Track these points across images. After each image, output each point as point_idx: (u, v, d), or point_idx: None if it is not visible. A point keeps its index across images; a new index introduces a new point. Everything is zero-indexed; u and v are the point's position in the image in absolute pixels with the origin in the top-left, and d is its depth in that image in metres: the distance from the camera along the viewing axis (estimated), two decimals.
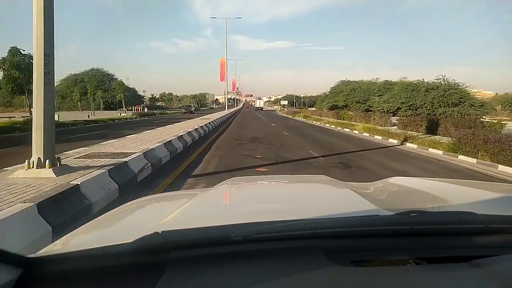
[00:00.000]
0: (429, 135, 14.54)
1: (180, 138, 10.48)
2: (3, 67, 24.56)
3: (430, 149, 10.93)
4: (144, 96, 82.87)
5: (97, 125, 23.91)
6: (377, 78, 46.67)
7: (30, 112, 25.59)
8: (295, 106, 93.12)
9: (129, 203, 1.50)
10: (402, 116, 29.26)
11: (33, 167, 4.59)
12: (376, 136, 15.22)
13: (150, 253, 0.73)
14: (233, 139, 13.55)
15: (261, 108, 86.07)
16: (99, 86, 58.31)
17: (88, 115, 33.10)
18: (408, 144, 12.33)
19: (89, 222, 1.25)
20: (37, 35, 4.63)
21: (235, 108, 69.31)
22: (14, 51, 24.46)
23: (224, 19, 39.65)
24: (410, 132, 15.61)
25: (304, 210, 1.25)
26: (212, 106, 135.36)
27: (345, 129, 19.98)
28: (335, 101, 45.59)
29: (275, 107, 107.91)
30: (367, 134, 16.29)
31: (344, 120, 28.62)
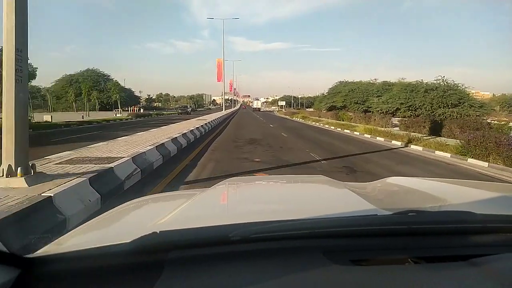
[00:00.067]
0: (433, 137, 14.08)
1: (174, 140, 9.92)
2: None
3: (437, 152, 10.44)
4: (140, 96, 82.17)
5: (90, 126, 23.29)
6: (375, 79, 46.52)
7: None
8: (293, 107, 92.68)
9: (127, 203, 1.49)
10: (402, 117, 29.02)
11: (2, 175, 4.03)
12: (378, 138, 14.73)
13: (148, 253, 0.73)
14: (230, 141, 13.01)
15: (259, 109, 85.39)
16: (94, 87, 57.65)
17: (82, 116, 32.46)
18: (413, 146, 11.84)
19: (87, 222, 1.24)
20: (7, 26, 4.08)
21: (232, 109, 68.71)
22: None
23: (221, 19, 39.03)
24: (413, 133, 15.14)
25: (302, 210, 1.24)
26: (210, 107, 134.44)
27: (345, 130, 19.49)
28: (334, 102, 45.28)
29: (272, 108, 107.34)
30: (369, 136, 15.79)
31: (343, 121, 28.17)
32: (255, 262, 0.74)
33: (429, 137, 13.76)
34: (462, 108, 30.11)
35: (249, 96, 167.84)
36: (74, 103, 50.54)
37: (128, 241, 0.72)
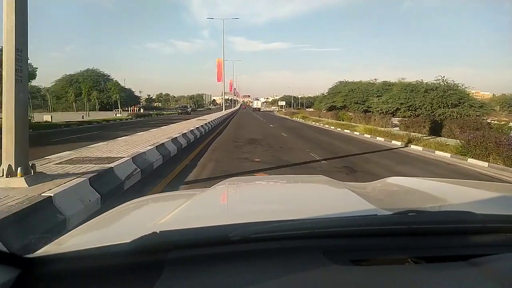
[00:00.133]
0: (433, 137, 14.08)
1: (174, 140, 9.92)
2: None
3: (437, 152, 10.45)
4: (140, 96, 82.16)
5: (90, 126, 23.29)
6: (375, 79, 46.49)
7: None
8: (293, 107, 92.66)
9: (127, 203, 1.48)
10: (402, 117, 29.00)
11: (2, 175, 4.03)
12: (378, 138, 14.74)
13: (148, 253, 0.72)
14: (230, 141, 13.02)
15: (259, 109, 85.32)
16: (94, 87, 57.61)
17: (82, 116, 32.46)
18: (413, 146, 11.85)
19: (87, 222, 1.24)
20: (7, 26, 4.08)
21: (232, 109, 68.71)
22: None
23: (221, 19, 39.02)
24: (413, 133, 15.14)
25: (302, 210, 1.24)
26: (210, 107, 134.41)
27: (345, 130, 19.50)
28: (334, 102, 45.26)
29: (272, 108, 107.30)
30: (369, 136, 15.79)
31: (343, 121, 28.17)
32: (255, 262, 0.74)
33: (429, 137, 13.76)
34: (462, 108, 30.11)
35: (249, 96, 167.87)
36: (74, 103, 50.55)
37: (128, 241, 0.72)
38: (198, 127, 15.53)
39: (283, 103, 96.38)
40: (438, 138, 12.87)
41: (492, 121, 19.01)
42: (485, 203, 1.31)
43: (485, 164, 8.37)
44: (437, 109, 30.91)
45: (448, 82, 31.98)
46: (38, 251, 0.84)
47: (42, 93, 61.66)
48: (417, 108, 32.93)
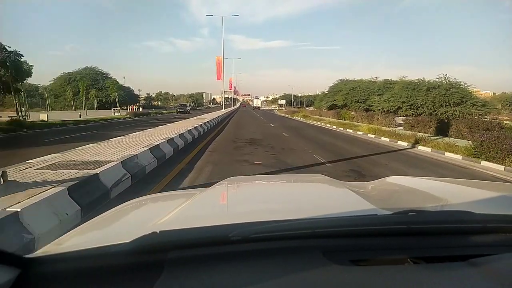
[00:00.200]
0: (439, 137, 13.55)
1: (170, 141, 9.40)
2: None
3: (447, 153, 9.90)
4: (139, 95, 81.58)
5: (86, 125, 22.80)
6: (376, 77, 45.96)
7: (17, 111, 24.43)
8: (293, 105, 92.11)
9: (127, 202, 1.47)
10: (405, 116, 28.54)
11: None
12: (383, 138, 14.20)
13: (148, 253, 0.72)
14: (230, 141, 12.48)
15: (259, 108, 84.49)
16: (93, 85, 56.99)
17: (80, 115, 31.91)
18: (420, 147, 11.30)
19: (87, 222, 1.23)
20: None
21: (232, 108, 68.15)
22: None
23: (220, 17, 38.41)
24: (419, 133, 14.61)
25: (302, 210, 1.24)
26: (209, 105, 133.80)
27: (348, 130, 18.95)
28: (334, 100, 44.75)
29: (272, 106, 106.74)
30: (373, 136, 15.25)
31: (345, 120, 27.62)
32: (255, 262, 0.74)
33: (436, 137, 13.22)
34: (464, 106, 29.84)
35: (249, 94, 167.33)
36: (72, 102, 49.97)
37: (128, 241, 0.72)
38: (196, 127, 15.00)
39: (283, 101, 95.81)
40: (446, 139, 12.31)
41: (496, 120, 18.43)
42: (485, 202, 1.30)
43: (501, 167, 7.83)
44: (439, 108, 30.63)
45: (450, 80, 31.64)
46: (38, 251, 0.83)
47: (40, 91, 61.23)
48: (419, 107, 32.63)
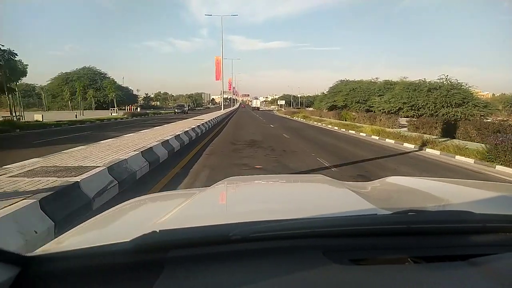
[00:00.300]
0: (446, 139, 13.04)
1: (165, 143, 8.86)
2: None
3: (458, 157, 9.38)
4: (138, 95, 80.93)
5: (82, 126, 22.23)
6: (377, 78, 45.59)
7: (10, 111, 23.82)
8: (293, 106, 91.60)
9: (127, 202, 1.47)
10: (406, 117, 28.08)
11: None
12: (387, 140, 13.67)
13: (148, 252, 0.72)
14: (228, 143, 11.95)
15: (258, 108, 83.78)
16: (91, 85, 56.34)
17: (76, 115, 31.32)
18: (428, 150, 10.77)
19: (87, 221, 1.22)
20: None
21: (231, 108, 67.57)
22: None
23: (219, 16, 37.91)
24: (425, 135, 14.10)
25: (302, 209, 1.24)
26: (208, 106, 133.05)
27: (350, 131, 18.42)
28: (335, 101, 44.35)
29: (272, 107, 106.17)
30: (377, 137, 14.73)
31: (346, 121, 27.10)
32: (255, 261, 0.74)
33: (443, 139, 12.71)
34: (466, 108, 29.57)
35: (248, 95, 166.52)
36: (69, 102, 49.29)
37: (128, 240, 0.72)
38: (194, 128, 14.47)
39: (283, 102, 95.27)
40: (453, 141, 11.77)
41: (508, 122, 17.93)
42: (485, 202, 1.29)
43: None
44: (441, 109, 30.36)
45: (452, 81, 31.31)
46: (38, 250, 0.84)
47: (36, 91, 60.53)
48: (420, 108, 32.33)
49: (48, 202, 3.45)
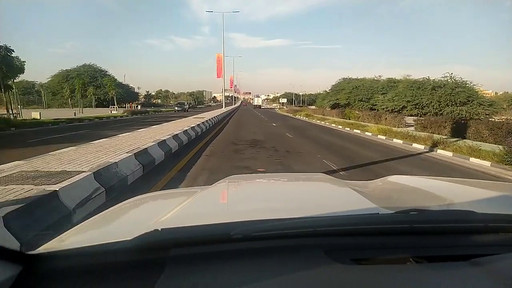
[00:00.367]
0: (456, 139, 12.48)
1: (162, 143, 8.34)
2: None
3: (472, 159, 8.82)
4: (139, 93, 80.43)
5: (80, 124, 21.76)
6: (380, 76, 44.97)
7: (7, 109, 23.33)
8: (295, 104, 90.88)
9: (128, 200, 1.47)
10: (410, 115, 27.51)
11: None
12: (395, 140, 13.11)
13: (149, 250, 0.73)
14: (229, 143, 11.41)
15: (260, 106, 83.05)
16: (91, 83, 55.76)
17: (75, 113, 30.84)
18: (440, 151, 10.21)
19: (89, 220, 1.22)
20: None
21: (233, 106, 66.97)
22: None
23: (221, 13, 37.27)
24: (434, 134, 13.53)
25: (304, 208, 1.24)
26: (210, 103, 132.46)
27: (355, 130, 17.85)
28: (337, 99, 43.78)
29: (273, 105, 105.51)
30: (383, 137, 14.16)
31: (350, 119, 26.50)
32: (256, 260, 0.74)
33: (454, 140, 12.13)
34: (471, 106, 29.10)
35: (249, 93, 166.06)
36: (69, 100, 48.79)
37: (129, 238, 0.72)
38: (193, 127, 13.94)
39: (285, 100, 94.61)
40: (469, 142, 11.17)
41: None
42: (488, 202, 1.28)
43: None
44: (445, 108, 29.92)
45: (456, 79, 30.79)
46: (40, 248, 0.83)
47: (36, 89, 60.05)
48: (424, 106, 31.90)
49: (16, 217, 2.93)
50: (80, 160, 5.51)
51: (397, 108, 32.99)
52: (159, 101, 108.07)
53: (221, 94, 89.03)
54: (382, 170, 7.30)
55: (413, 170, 7.57)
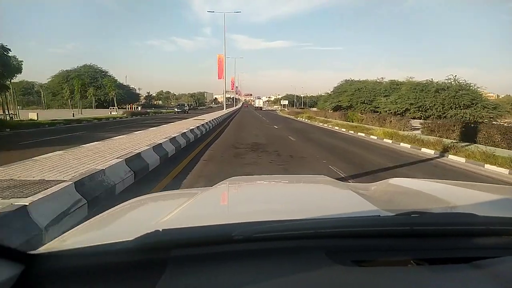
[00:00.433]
0: (467, 143, 11.93)
1: (157, 147, 7.83)
2: None
3: (487, 166, 8.27)
4: (140, 94, 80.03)
5: (77, 125, 21.32)
6: (382, 78, 44.50)
7: (3, 110, 22.89)
8: (296, 106, 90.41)
9: (129, 201, 1.46)
10: (416, 118, 27.00)
11: None
12: (402, 144, 12.57)
13: (151, 251, 0.72)
14: (230, 147, 10.90)
15: (261, 108, 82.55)
16: (91, 83, 55.38)
17: (73, 114, 30.39)
18: (451, 156, 9.66)
19: (90, 220, 1.22)
20: None
21: (234, 108, 66.54)
22: None
23: (222, 13, 36.93)
24: (443, 139, 12.99)
25: (305, 210, 1.24)
26: (211, 105, 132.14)
27: (359, 134, 17.32)
28: (339, 101, 43.31)
29: (275, 107, 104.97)
30: (389, 141, 13.62)
31: (353, 122, 25.94)
32: (258, 262, 0.73)
33: (464, 144, 11.59)
34: (475, 109, 28.57)
35: (251, 94, 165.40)
36: (69, 100, 48.37)
37: (130, 239, 0.71)
38: (193, 129, 13.44)
39: (286, 102, 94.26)
40: (482, 147, 10.59)
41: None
42: (489, 205, 1.27)
43: None
44: (449, 110, 29.42)
45: (460, 81, 30.31)
46: (42, 248, 0.82)
47: (36, 89, 59.69)
48: (428, 109, 31.41)
49: None
50: (64, 167, 5.00)
51: (400, 110, 32.48)
52: (160, 102, 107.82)
53: (222, 96, 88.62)
54: (391, 178, 6.77)
55: (426, 177, 7.02)
